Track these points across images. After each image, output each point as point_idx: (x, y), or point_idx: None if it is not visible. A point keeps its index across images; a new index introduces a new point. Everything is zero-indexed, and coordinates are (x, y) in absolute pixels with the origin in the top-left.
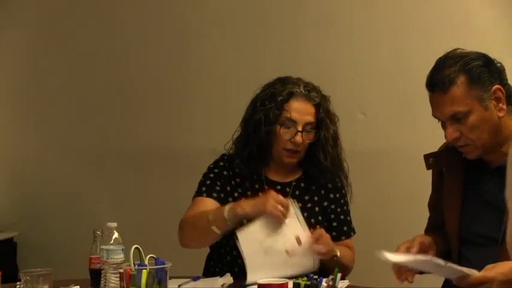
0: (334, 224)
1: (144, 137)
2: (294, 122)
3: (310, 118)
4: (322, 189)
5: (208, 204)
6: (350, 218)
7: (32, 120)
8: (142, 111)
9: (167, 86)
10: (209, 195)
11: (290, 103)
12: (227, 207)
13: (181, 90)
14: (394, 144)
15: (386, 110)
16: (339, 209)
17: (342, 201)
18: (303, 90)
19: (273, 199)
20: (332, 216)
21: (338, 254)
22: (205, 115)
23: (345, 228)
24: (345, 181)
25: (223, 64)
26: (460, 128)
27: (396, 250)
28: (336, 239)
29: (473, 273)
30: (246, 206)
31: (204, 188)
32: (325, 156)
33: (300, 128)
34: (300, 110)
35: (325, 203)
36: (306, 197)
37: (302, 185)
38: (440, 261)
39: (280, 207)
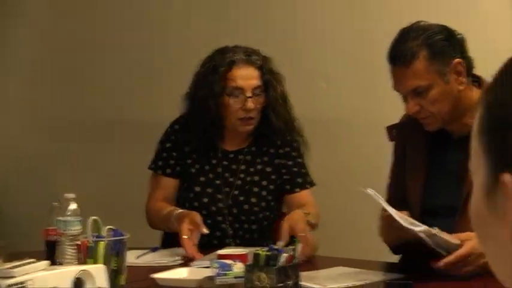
0: (287, 177)
1: (103, 107)
2: (241, 89)
3: (256, 82)
4: (272, 148)
5: (165, 185)
6: (305, 170)
7: None
8: (103, 82)
9: (128, 57)
10: (164, 173)
11: (233, 71)
12: (173, 217)
13: (143, 61)
14: (355, 113)
15: (349, 79)
16: (290, 162)
17: (294, 153)
18: (243, 56)
19: (182, 225)
20: (283, 170)
21: (310, 219)
22: (167, 86)
23: (299, 180)
24: (300, 138)
25: (187, 34)
26: (420, 101)
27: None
28: (290, 191)
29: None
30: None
31: (160, 163)
32: (277, 116)
33: (248, 94)
34: (244, 76)
35: (277, 161)
36: (258, 160)
37: (253, 149)
38: (434, 231)
39: (184, 236)
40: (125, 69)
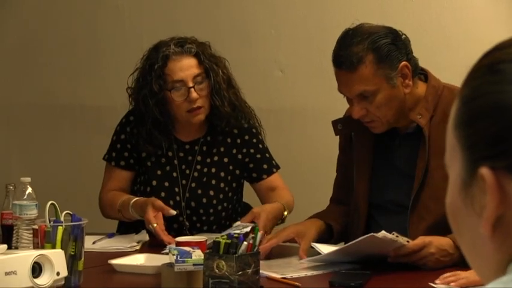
0: (251, 165)
1: (54, 92)
2: (182, 82)
3: (195, 70)
4: (229, 137)
5: (119, 177)
6: (269, 154)
7: None
8: (52, 66)
9: (78, 40)
10: (118, 165)
11: (169, 66)
12: (130, 206)
13: (92, 45)
14: (310, 102)
15: (304, 68)
16: (252, 150)
17: (254, 140)
18: (175, 48)
19: (148, 213)
20: (247, 159)
21: (286, 214)
22: (117, 71)
23: (265, 166)
24: (254, 120)
25: (138, 21)
26: (366, 105)
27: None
28: (258, 179)
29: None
30: (139, 212)
31: (114, 154)
32: (222, 101)
33: (190, 84)
34: (182, 67)
35: (234, 150)
36: (214, 150)
37: (209, 139)
38: (379, 235)
39: (154, 224)
40: (79, 54)
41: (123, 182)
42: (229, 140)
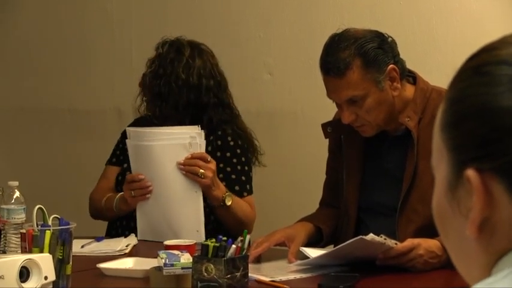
0: (224, 183)
1: (43, 95)
2: None
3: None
4: (209, 146)
5: (109, 174)
6: (245, 177)
7: None
8: (41, 69)
9: (67, 43)
10: (110, 162)
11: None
12: (114, 203)
13: (81, 48)
14: (299, 105)
15: (293, 71)
16: (228, 168)
17: (235, 160)
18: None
19: (126, 186)
20: (221, 175)
21: (228, 203)
22: (106, 75)
23: (236, 188)
24: (242, 132)
25: (127, 24)
26: (356, 110)
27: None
28: None
29: (396, 244)
30: (122, 205)
31: (110, 156)
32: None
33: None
34: None
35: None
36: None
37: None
38: (368, 238)
39: (134, 186)
40: (68, 57)
41: (112, 179)
42: (209, 149)
